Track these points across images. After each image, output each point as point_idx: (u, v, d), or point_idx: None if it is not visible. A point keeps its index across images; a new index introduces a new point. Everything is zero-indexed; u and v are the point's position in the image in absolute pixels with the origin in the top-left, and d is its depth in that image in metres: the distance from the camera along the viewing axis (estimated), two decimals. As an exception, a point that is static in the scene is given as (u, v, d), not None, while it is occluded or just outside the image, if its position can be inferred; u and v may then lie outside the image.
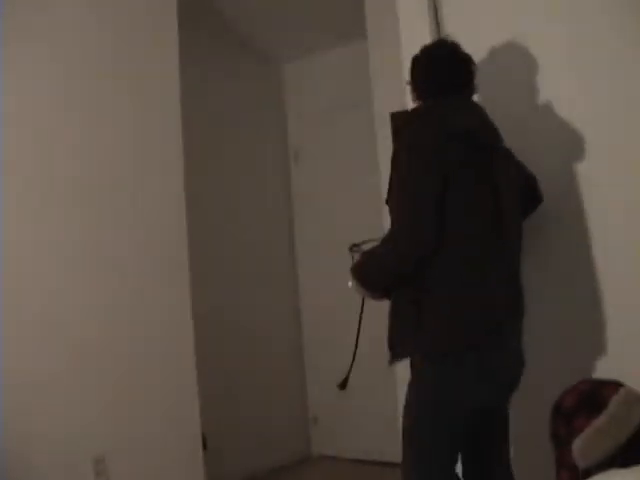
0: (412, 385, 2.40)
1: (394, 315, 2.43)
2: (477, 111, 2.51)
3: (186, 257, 3.80)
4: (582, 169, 2.81)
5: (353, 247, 2.63)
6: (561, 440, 2.27)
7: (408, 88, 2.63)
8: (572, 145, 2.83)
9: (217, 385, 4.35)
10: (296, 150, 5.53)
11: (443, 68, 2.51)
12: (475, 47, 2.76)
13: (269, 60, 5.46)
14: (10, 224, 3.10)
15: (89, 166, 3.45)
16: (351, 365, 2.72)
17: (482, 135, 2.43)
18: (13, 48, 3.17)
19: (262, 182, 5.28)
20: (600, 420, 2.17)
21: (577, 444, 2.18)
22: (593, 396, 2.27)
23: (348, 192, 5.18)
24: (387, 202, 2.42)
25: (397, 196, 2.35)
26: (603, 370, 2.65)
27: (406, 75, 2.63)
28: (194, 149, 4.10)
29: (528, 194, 2.66)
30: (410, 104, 2.70)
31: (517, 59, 2.98)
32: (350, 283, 2.50)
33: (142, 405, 3.49)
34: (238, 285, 4.89)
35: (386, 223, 3.65)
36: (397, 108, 3.83)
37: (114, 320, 3.45)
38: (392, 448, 4.39)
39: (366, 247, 2.57)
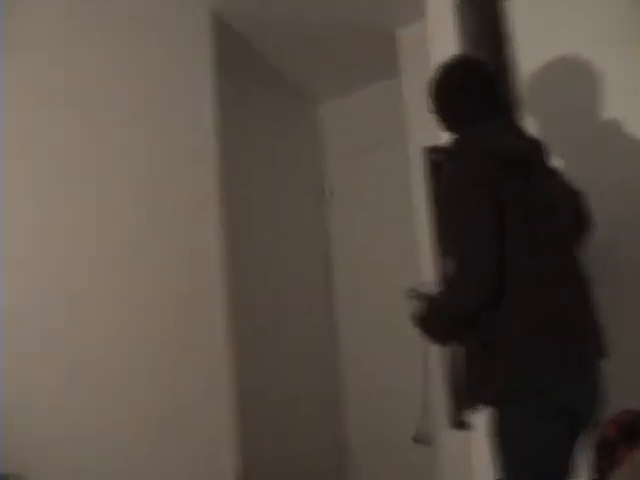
0: (492, 436, 2.30)
1: (465, 361, 2.35)
2: (517, 131, 2.41)
3: (224, 294, 3.79)
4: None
5: (411, 291, 2.52)
6: (604, 472, 2.24)
7: (435, 118, 2.50)
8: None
9: (256, 424, 4.34)
10: (331, 189, 5.56)
11: (471, 89, 2.39)
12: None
13: (305, 99, 5.52)
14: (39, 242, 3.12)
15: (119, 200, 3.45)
16: (423, 416, 2.66)
17: (528, 157, 2.33)
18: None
19: (297, 221, 5.31)
20: (640, 452, 2.15)
21: (618, 476, 2.15)
22: (634, 427, 2.24)
23: (384, 230, 5.19)
24: (438, 243, 2.34)
25: (451, 238, 2.25)
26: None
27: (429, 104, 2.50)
28: (229, 187, 4.13)
29: (576, 213, 2.53)
30: (443, 136, 2.61)
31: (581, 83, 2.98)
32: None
33: (176, 443, 3.44)
34: (274, 323, 4.89)
35: (424, 260, 3.65)
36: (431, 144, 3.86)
37: (148, 353, 3.42)
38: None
39: (423, 290, 2.47)
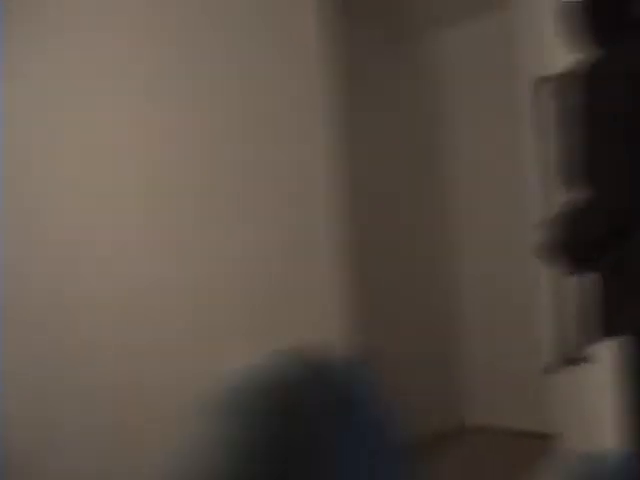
0: (619, 370, 2.18)
1: (590, 291, 2.23)
2: None
3: (341, 232, 3.80)
4: None
5: (543, 221, 2.46)
6: None
7: (566, 38, 2.33)
8: None
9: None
10: (444, 121, 5.50)
11: (604, 4, 2.17)
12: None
13: (414, 30, 5.44)
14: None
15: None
16: (554, 349, 2.58)
17: None
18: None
19: (410, 145, 5.30)
20: None
21: None
22: None
23: (495, 163, 5.14)
24: (565, 170, 2.22)
25: (582, 164, 2.10)
26: None
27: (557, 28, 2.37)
28: (344, 119, 4.14)
29: None
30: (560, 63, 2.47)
31: None
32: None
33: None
34: (390, 265, 4.93)
35: (531, 191, 3.50)
36: (544, 74, 3.78)
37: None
38: (549, 417, 4.31)
39: (556, 220, 2.40)
